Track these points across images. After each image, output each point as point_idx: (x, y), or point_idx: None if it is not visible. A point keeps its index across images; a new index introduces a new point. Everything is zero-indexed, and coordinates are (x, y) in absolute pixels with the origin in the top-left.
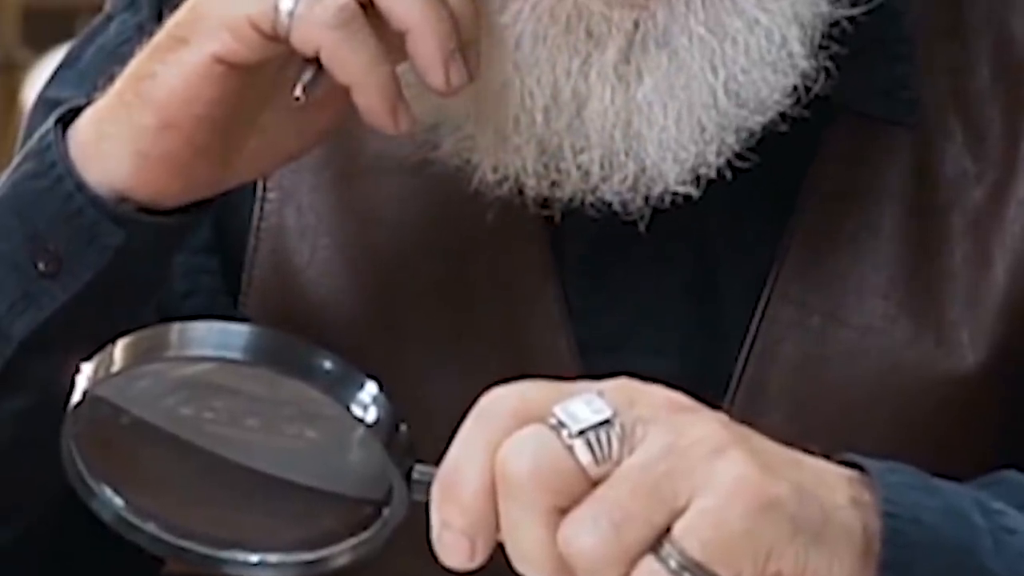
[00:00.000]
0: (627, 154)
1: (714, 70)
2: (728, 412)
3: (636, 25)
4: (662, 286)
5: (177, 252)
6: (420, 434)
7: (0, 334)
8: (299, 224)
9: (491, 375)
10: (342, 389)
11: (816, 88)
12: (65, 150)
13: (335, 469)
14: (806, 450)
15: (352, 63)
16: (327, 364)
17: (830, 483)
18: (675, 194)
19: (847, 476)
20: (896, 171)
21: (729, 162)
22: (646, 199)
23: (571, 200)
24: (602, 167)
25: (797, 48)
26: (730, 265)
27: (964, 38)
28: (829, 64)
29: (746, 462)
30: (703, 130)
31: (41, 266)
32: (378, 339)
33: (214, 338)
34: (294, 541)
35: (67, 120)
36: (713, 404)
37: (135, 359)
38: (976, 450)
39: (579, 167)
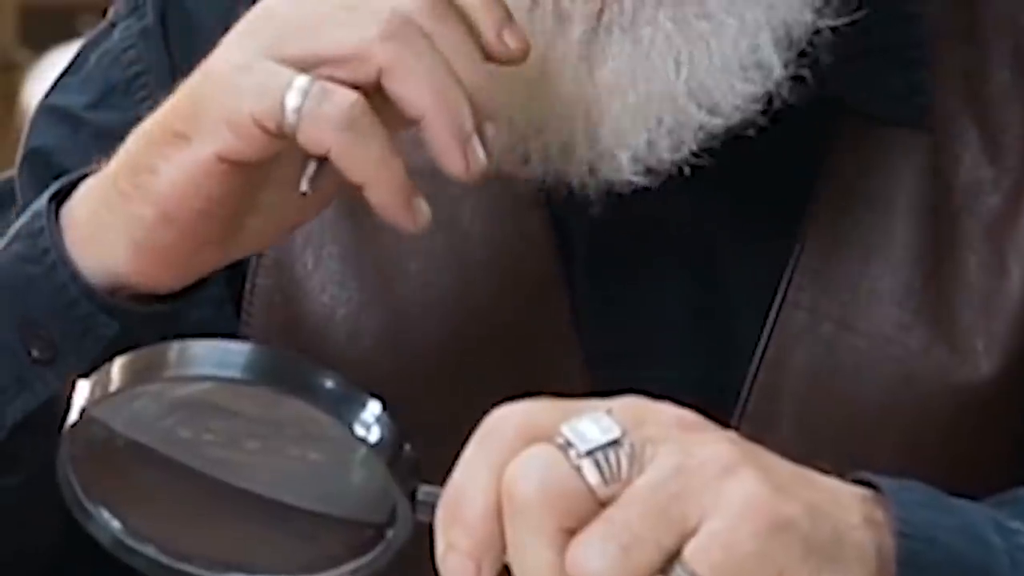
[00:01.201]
0: (584, 138)
1: (677, 67)
2: (738, 423)
3: (602, 10)
4: (671, 297)
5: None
6: (424, 454)
7: None
8: (304, 232)
9: (497, 391)
10: (344, 409)
11: (786, 94)
12: (59, 236)
13: (337, 490)
14: (818, 468)
15: (364, 163)
16: (329, 383)
17: (843, 502)
18: (633, 184)
19: (860, 495)
20: (910, 176)
21: (737, 167)
22: (608, 189)
23: (545, 185)
24: (562, 150)
25: (769, 55)
26: (740, 273)
27: (980, 40)
28: (806, 72)
29: (757, 482)
30: (659, 124)
31: (35, 353)
32: (382, 353)
33: (214, 357)
34: (295, 564)
35: (60, 197)
36: (723, 415)
37: (133, 379)
38: (991, 463)
39: (540, 148)
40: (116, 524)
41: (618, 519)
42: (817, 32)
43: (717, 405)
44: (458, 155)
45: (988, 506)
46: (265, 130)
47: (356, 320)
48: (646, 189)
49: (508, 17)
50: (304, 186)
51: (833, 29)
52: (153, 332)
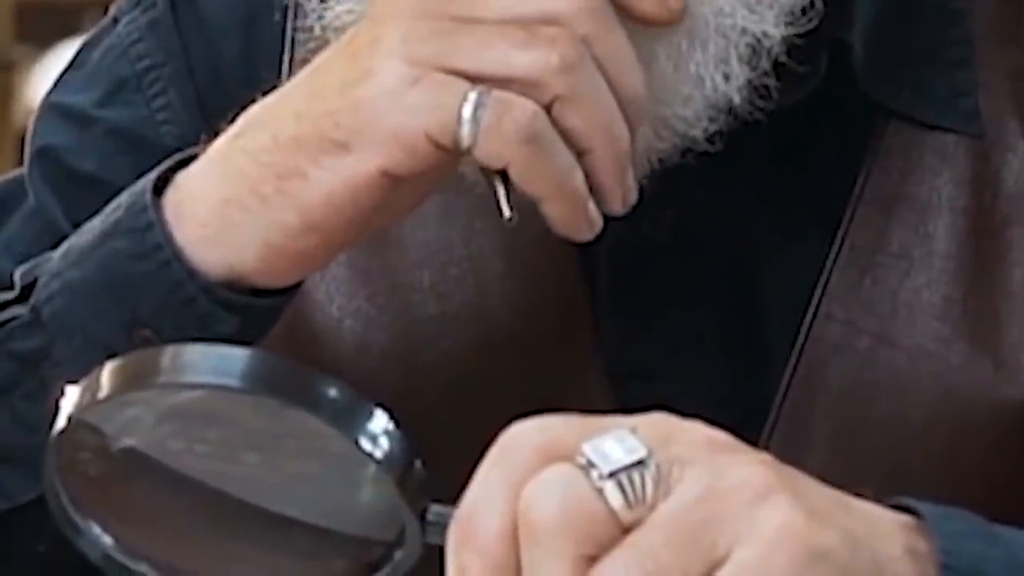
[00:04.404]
0: None
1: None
2: (768, 441)
3: None
4: (698, 309)
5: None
6: (436, 471)
7: None
8: None
9: (514, 407)
10: (349, 420)
11: (737, 106)
12: (170, 231)
13: (342, 507)
14: (857, 493)
15: (547, 176)
16: (333, 392)
17: (883, 531)
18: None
19: (901, 523)
20: (953, 183)
21: (770, 173)
22: None
23: None
24: None
25: (714, 70)
26: (771, 284)
27: None
28: (771, 82)
29: (791, 508)
30: None
31: None
32: (392, 366)
33: (210, 363)
34: None
35: (160, 188)
36: (753, 433)
37: (124, 385)
38: None
39: None
40: (107, 540)
41: (642, 545)
42: (847, 28)
43: (747, 423)
44: (619, 194)
45: None
46: (437, 145)
47: (364, 332)
48: (672, 198)
49: None
50: (507, 212)
51: (869, 24)
52: (269, 326)
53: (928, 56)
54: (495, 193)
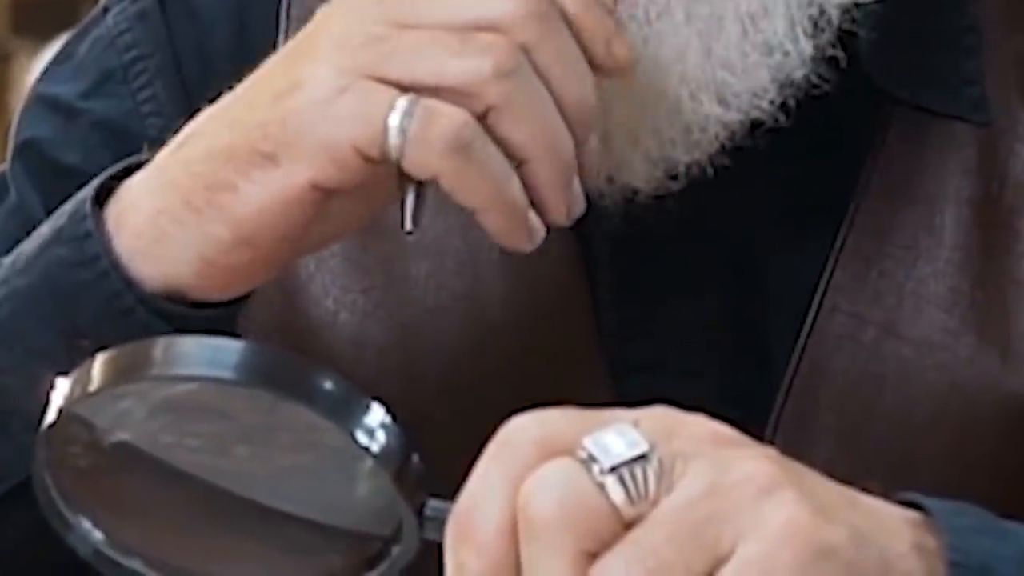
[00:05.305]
0: (597, 145)
1: (685, 58)
2: (772, 434)
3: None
4: (701, 301)
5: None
6: (433, 465)
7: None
8: None
9: (513, 401)
10: (346, 413)
11: (823, 83)
12: (109, 240)
13: (338, 501)
14: (864, 488)
15: (479, 186)
16: (328, 385)
17: (891, 527)
18: (646, 196)
19: (909, 519)
20: (960, 172)
21: (774, 163)
22: (631, 198)
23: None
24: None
25: (788, 38)
26: (775, 275)
27: None
28: (840, 56)
29: (797, 504)
30: (671, 122)
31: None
32: (389, 360)
33: (203, 355)
34: None
35: (103, 196)
36: (757, 426)
37: (115, 377)
38: None
39: None
40: (98, 535)
41: (644, 542)
42: (857, 5)
43: (750, 417)
44: (563, 205)
45: None
46: (366, 157)
47: (361, 326)
48: (676, 190)
49: (615, 26)
50: (408, 224)
51: (876, 11)
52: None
53: (935, 44)
54: (403, 202)
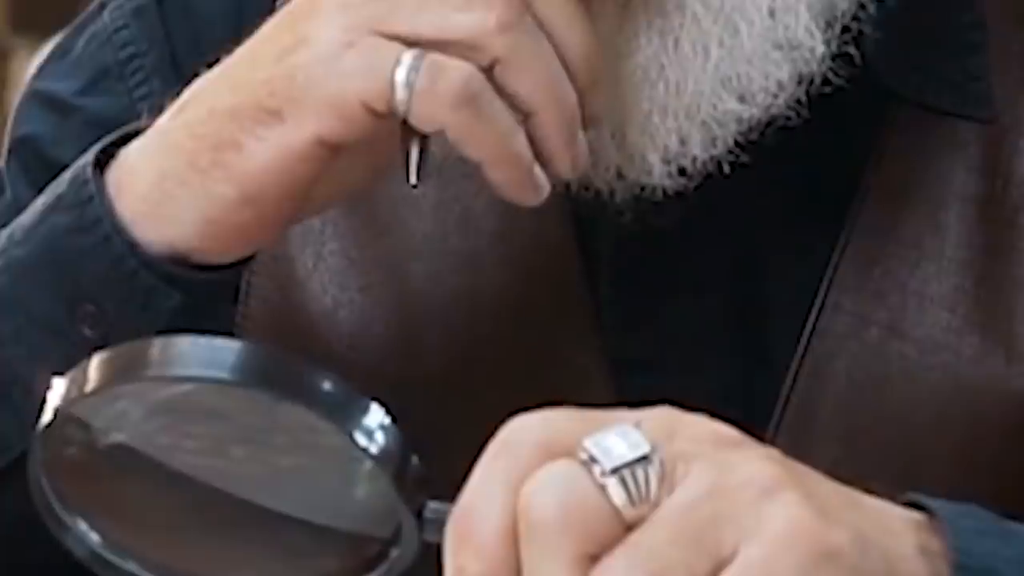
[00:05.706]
0: (610, 139)
1: (707, 53)
2: (774, 435)
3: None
4: (703, 298)
5: (233, 304)
6: (433, 467)
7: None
8: (303, 229)
9: (514, 400)
10: (344, 414)
11: (831, 79)
12: (111, 204)
13: (336, 503)
14: (867, 490)
15: (485, 139)
16: (327, 386)
17: (895, 529)
18: (655, 193)
19: (914, 521)
20: (964, 170)
21: (778, 161)
22: (638, 194)
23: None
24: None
25: (806, 34)
26: (777, 273)
27: None
28: (853, 53)
29: (800, 505)
30: (690, 118)
31: (87, 331)
32: (388, 358)
33: (200, 355)
34: None
35: (103, 162)
36: (759, 426)
37: (112, 378)
38: None
39: None
40: (94, 536)
41: (646, 544)
42: (863, 7)
43: (753, 417)
44: (567, 157)
45: None
46: (372, 112)
47: (360, 323)
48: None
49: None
50: (412, 178)
51: (881, 8)
52: (213, 302)
53: (940, 41)
54: (407, 156)
